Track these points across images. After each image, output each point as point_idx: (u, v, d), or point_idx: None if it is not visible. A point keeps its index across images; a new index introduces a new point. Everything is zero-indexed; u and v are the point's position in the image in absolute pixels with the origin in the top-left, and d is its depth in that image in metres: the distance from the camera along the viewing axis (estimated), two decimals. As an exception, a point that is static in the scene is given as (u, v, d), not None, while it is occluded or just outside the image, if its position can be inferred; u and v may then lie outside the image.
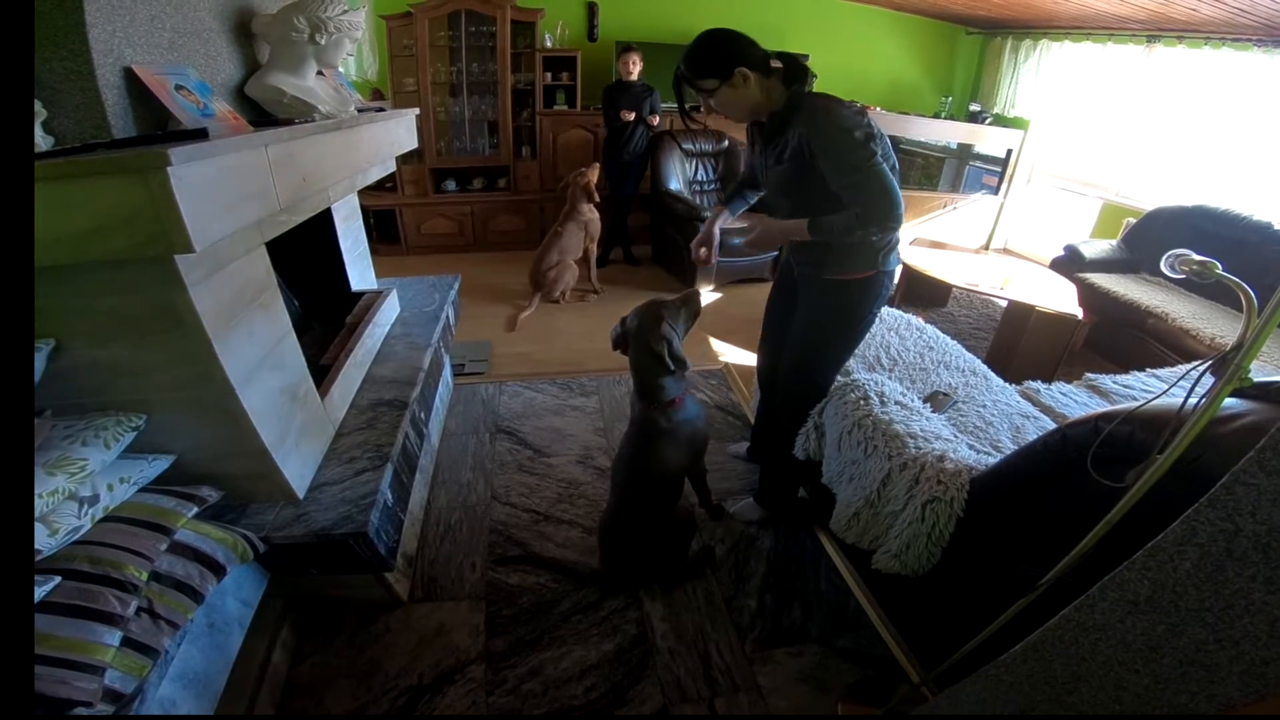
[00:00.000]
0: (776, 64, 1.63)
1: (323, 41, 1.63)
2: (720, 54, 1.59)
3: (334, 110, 1.75)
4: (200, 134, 1.15)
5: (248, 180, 1.26)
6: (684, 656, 1.78)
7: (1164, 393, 1.12)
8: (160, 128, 1.30)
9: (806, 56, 5.33)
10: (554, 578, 2.01)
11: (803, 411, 2.04)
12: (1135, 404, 1.19)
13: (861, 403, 1.84)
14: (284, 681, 1.65)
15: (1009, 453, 1.87)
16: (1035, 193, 5.87)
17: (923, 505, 1.56)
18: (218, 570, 1.31)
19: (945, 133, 5.80)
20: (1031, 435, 2.05)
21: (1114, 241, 4.34)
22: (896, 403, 1.85)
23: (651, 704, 1.65)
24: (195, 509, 1.35)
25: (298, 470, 1.57)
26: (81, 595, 1.09)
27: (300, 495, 1.57)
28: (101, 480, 1.24)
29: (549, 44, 4.97)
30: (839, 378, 2.02)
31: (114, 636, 1.08)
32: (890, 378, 2.18)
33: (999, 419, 2.13)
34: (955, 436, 1.81)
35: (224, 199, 1.17)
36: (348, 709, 1.62)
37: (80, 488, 1.19)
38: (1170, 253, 1.24)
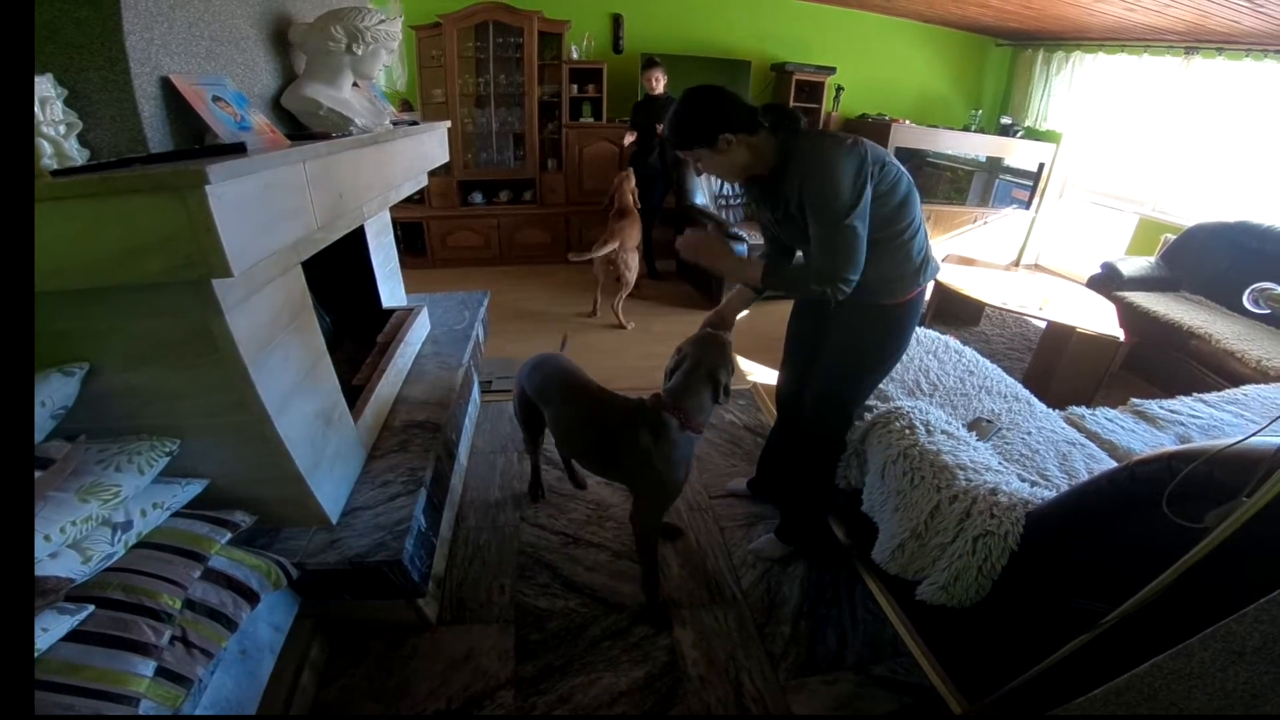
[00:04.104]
0: (763, 119, 1.56)
1: (359, 52, 1.61)
2: (703, 121, 1.51)
3: (370, 123, 1.73)
4: (238, 149, 1.13)
5: (286, 198, 1.24)
6: (715, 684, 1.73)
7: (1256, 433, 1.05)
8: (197, 141, 1.27)
9: (833, 70, 5.31)
10: (583, 602, 1.97)
11: (832, 439, 1.95)
12: (1215, 445, 1.13)
13: (907, 432, 1.78)
14: (312, 703, 1.61)
15: (1065, 486, 1.83)
16: (1068, 208, 5.77)
17: (974, 539, 1.50)
18: (251, 598, 1.29)
19: (974, 146, 5.71)
20: (1079, 463, 1.99)
21: (1152, 258, 4.22)
22: (943, 432, 1.79)
23: (683, 731, 1.60)
24: (228, 535, 1.33)
25: (331, 495, 1.55)
26: (115, 624, 1.07)
27: (334, 520, 1.55)
28: (135, 506, 1.22)
29: (575, 56, 4.96)
30: (880, 404, 1.97)
31: (148, 667, 1.06)
32: (931, 403, 2.12)
33: (1045, 446, 2.06)
34: (1004, 467, 1.74)
35: (262, 219, 1.15)
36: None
37: (113, 514, 1.17)
38: (1253, 286, 1.18)
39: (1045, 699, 1.38)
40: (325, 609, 1.70)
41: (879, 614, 1.97)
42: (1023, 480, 1.69)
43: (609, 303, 4.18)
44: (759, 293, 1.87)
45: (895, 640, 1.88)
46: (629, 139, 4.49)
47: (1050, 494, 1.55)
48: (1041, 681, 1.39)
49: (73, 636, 1.04)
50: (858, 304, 1.67)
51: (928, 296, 1.79)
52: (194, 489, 1.36)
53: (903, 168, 1.56)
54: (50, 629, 1.00)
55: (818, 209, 1.48)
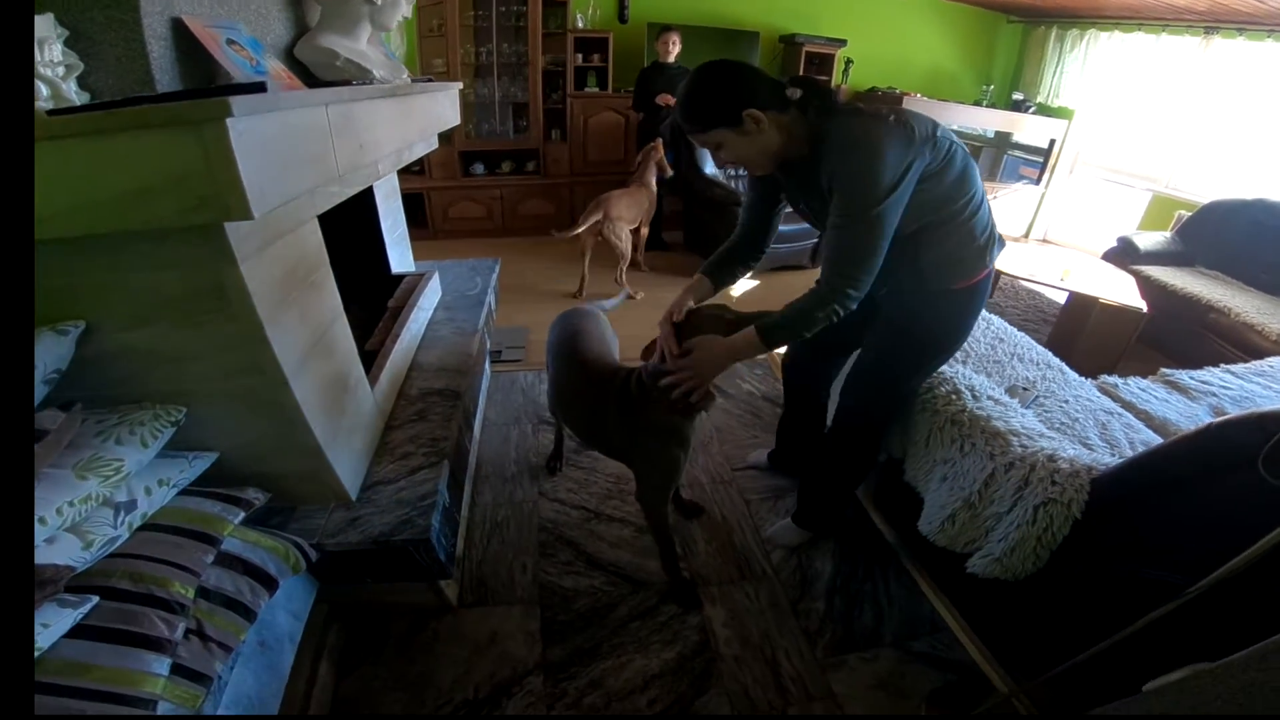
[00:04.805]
0: (794, 91, 1.32)
1: (379, 1, 1.49)
2: (723, 98, 1.28)
3: (388, 75, 1.61)
4: (258, 87, 1.02)
5: (308, 142, 1.13)
6: (751, 664, 1.66)
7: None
8: (209, 85, 1.18)
9: (844, 42, 5.21)
10: (609, 580, 1.88)
11: (874, 426, 1.79)
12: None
13: (953, 397, 1.68)
14: (333, 696, 1.51)
15: (1110, 454, 1.75)
16: (1078, 183, 5.70)
17: (1035, 508, 1.40)
18: (269, 584, 1.18)
19: (985, 121, 5.64)
20: (1118, 432, 1.93)
21: (1167, 234, 4.20)
22: (989, 398, 1.70)
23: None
24: (242, 514, 1.22)
25: (350, 468, 1.44)
26: (123, 617, 0.96)
27: (353, 496, 1.44)
28: (139, 483, 1.10)
29: (580, 25, 4.83)
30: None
31: (163, 664, 0.95)
32: (966, 370, 2.04)
33: (1083, 415, 2.00)
34: (1054, 434, 1.66)
35: (283, 161, 1.04)
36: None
37: (116, 492, 1.05)
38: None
39: (1105, 677, 1.31)
40: (341, 593, 1.60)
41: (914, 588, 1.90)
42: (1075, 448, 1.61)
43: (598, 278, 4.10)
44: (709, 278, 1.68)
45: (933, 614, 1.82)
46: (663, 101, 4.34)
47: (1112, 459, 1.46)
48: (1105, 658, 1.32)
49: (76, 632, 0.93)
50: (920, 290, 1.51)
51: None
52: (202, 464, 1.24)
53: (956, 138, 1.35)
54: (51, 624, 0.89)
55: (845, 195, 1.27)
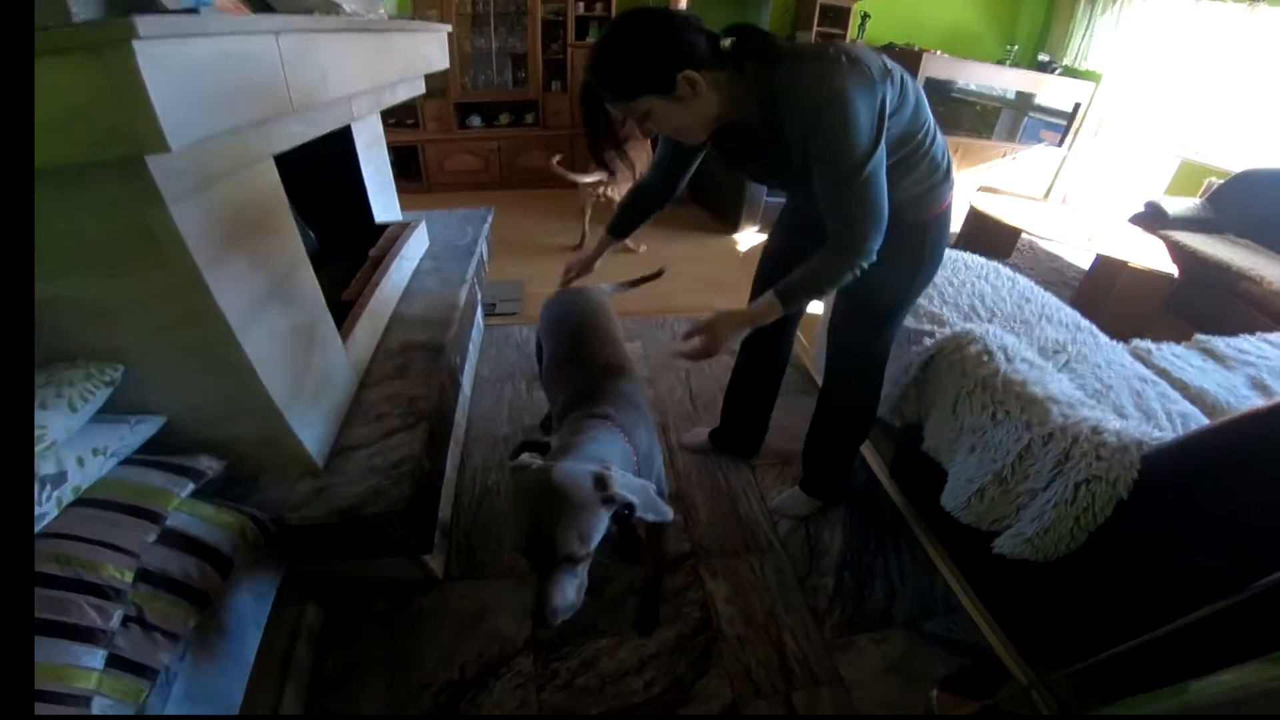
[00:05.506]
0: (727, 42, 1.14)
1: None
2: (651, 57, 1.07)
3: (360, 10, 1.45)
4: (189, 13, 0.88)
5: (251, 71, 1.00)
6: (754, 644, 1.57)
7: None
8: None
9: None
10: (604, 553, 1.77)
11: (875, 376, 1.68)
12: None
13: (984, 358, 1.54)
14: (309, 681, 1.41)
15: (1145, 425, 1.61)
16: (1102, 147, 5.49)
17: (1076, 485, 1.27)
18: (222, 564, 1.05)
19: (1006, 81, 5.40)
20: (1154, 402, 1.79)
21: (1197, 200, 4.07)
22: (1024, 359, 1.56)
23: (720, 700, 1.45)
24: (191, 486, 1.09)
25: (316, 432, 1.31)
26: (49, 605, 0.85)
27: (320, 464, 1.31)
28: (69, 452, 0.97)
29: (582, -28, 4.63)
30: (943, 330, 1.73)
31: (95, 657, 0.85)
32: (995, 328, 1.90)
33: (1117, 381, 1.85)
34: (1096, 402, 1.52)
35: (216, 90, 0.91)
36: (383, 708, 1.40)
37: (40, 463, 0.93)
38: None
39: (1139, 672, 1.19)
40: (318, 568, 1.50)
41: (929, 564, 1.80)
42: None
43: (599, 233, 3.91)
44: (614, 235, 1.70)
45: (947, 593, 1.72)
46: None
47: (1164, 435, 1.32)
48: (1143, 651, 1.20)
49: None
50: (898, 226, 1.31)
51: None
52: (147, 429, 1.11)
53: (891, 62, 1.19)
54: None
55: (830, 159, 1.12)
